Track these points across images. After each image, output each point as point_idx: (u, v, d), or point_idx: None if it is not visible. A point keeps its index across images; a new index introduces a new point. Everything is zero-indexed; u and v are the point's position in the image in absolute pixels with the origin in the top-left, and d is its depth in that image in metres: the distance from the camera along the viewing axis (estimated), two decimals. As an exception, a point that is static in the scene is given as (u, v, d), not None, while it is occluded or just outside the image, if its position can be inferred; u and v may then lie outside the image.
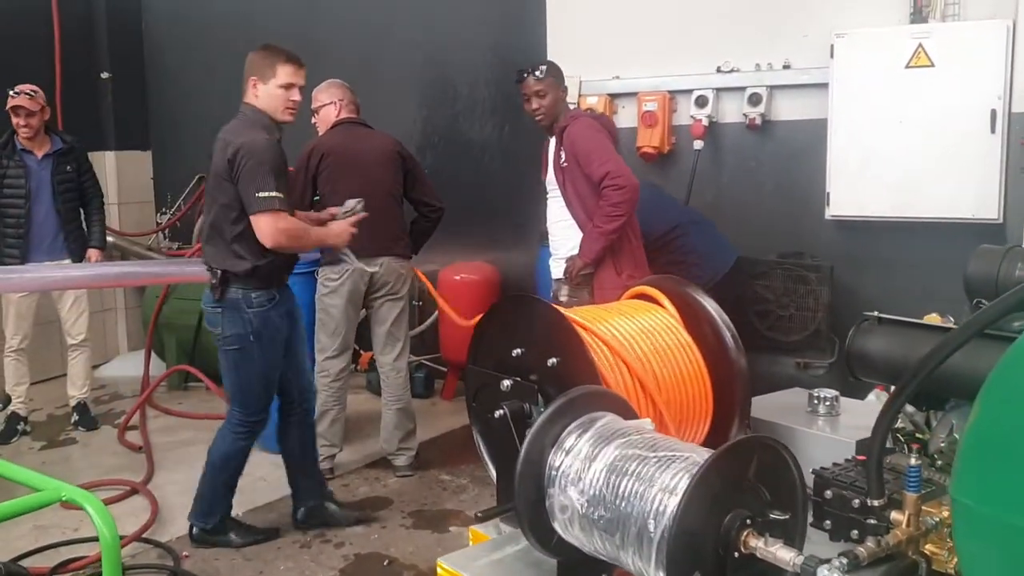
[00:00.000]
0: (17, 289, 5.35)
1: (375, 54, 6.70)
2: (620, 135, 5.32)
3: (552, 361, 2.05)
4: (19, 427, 5.66)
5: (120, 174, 7.67)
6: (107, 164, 7.54)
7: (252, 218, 3.66)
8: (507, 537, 1.96)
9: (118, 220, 7.52)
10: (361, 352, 6.21)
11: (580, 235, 4.23)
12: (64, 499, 1.83)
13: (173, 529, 4.17)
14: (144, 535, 4.06)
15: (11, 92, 5.41)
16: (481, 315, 2.41)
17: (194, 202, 7.55)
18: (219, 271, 3.77)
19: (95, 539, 3.80)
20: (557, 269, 4.36)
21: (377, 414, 5.09)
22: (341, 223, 4.00)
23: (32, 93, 5.43)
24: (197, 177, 7.60)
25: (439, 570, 1.85)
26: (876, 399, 3.15)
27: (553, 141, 4.41)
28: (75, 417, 5.85)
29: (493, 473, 2.42)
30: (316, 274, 4.78)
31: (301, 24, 6.88)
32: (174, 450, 5.28)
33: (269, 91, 3.80)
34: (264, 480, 4.69)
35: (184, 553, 3.89)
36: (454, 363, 6.25)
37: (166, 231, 7.90)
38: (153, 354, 6.51)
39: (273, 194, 3.63)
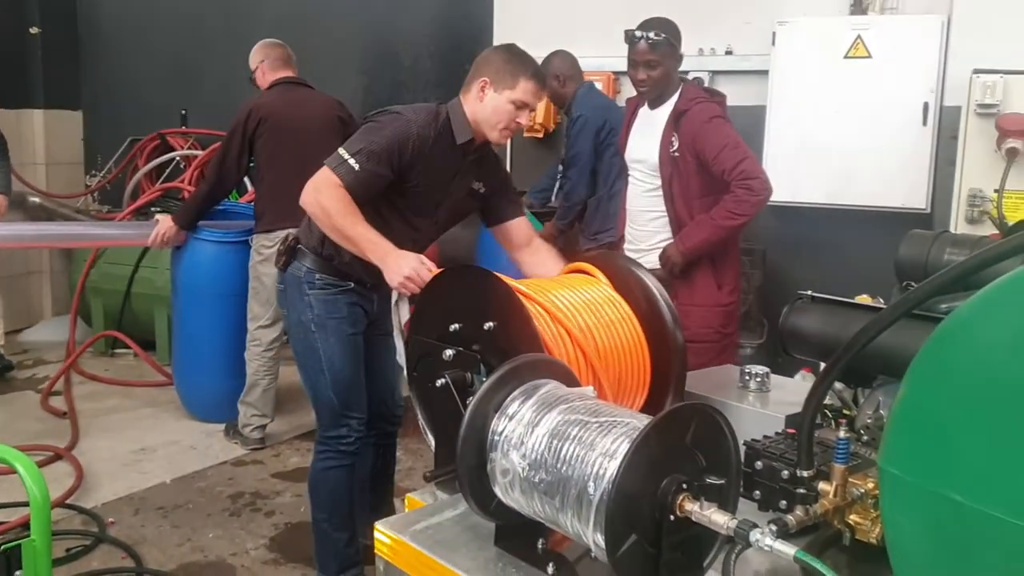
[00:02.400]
0: None
1: (315, 21, 6.60)
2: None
3: (489, 325, 2.06)
4: None
5: (48, 133, 7.46)
6: (35, 123, 7.33)
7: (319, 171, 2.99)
8: (444, 502, 1.98)
9: (45, 181, 7.31)
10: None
11: (667, 229, 3.79)
12: (-7, 456, 1.79)
13: (98, 495, 4.11)
14: (69, 501, 3.98)
15: None
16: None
17: (125, 165, 7.37)
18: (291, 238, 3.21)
19: (16, 504, 3.75)
20: (635, 258, 3.95)
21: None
22: (412, 260, 2.65)
23: None
24: (129, 140, 7.42)
25: (376, 535, 1.86)
26: (803, 380, 3.25)
27: (655, 118, 3.87)
28: None
29: (432, 441, 2.44)
30: (250, 241, 4.71)
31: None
32: (100, 417, 5.18)
33: (498, 102, 3.02)
34: (194, 448, 4.65)
35: (110, 520, 3.84)
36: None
37: (95, 194, 7.71)
38: (80, 319, 6.36)
39: (352, 160, 2.91)
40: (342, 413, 3.21)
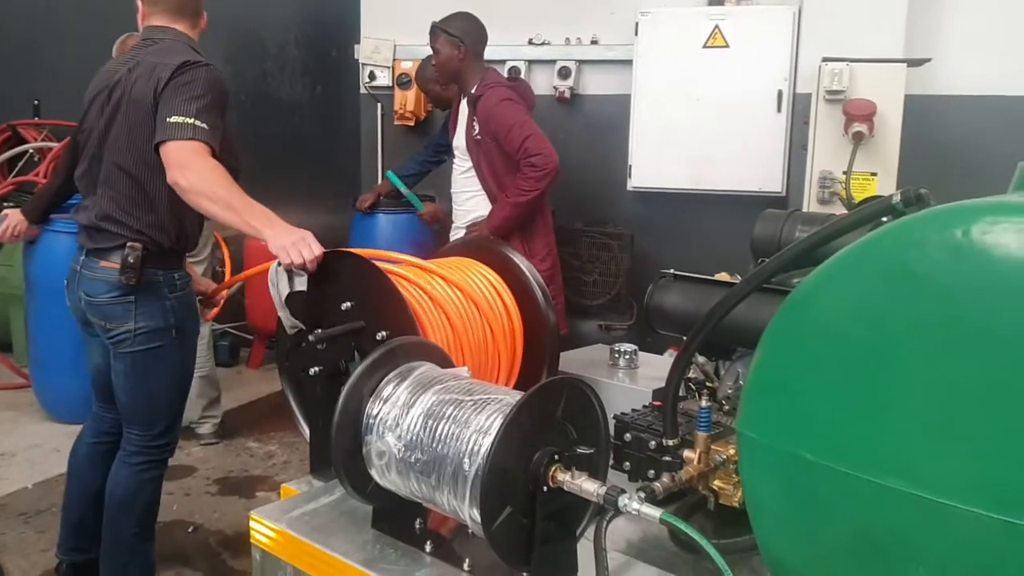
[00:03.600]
0: None
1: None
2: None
3: (346, 305, 2.07)
4: None
5: None
6: None
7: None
8: (320, 489, 1.98)
9: None
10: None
11: (485, 205, 4.14)
12: None
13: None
14: (-80, 511, 3.77)
15: None
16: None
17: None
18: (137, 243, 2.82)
19: None
20: (456, 235, 4.28)
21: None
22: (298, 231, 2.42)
23: None
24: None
25: (251, 524, 1.84)
26: (670, 357, 3.38)
27: (464, 106, 4.25)
28: None
29: (306, 431, 2.42)
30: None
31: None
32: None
33: None
34: (57, 450, 4.45)
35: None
36: (260, 331, 6.12)
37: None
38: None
39: (200, 122, 2.67)
40: (177, 420, 3.05)
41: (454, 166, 4.39)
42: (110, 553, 2.96)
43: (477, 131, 4.12)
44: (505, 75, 4.93)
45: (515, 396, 1.57)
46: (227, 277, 5.28)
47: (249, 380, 5.86)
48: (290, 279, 2.25)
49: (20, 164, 6.51)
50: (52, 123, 6.65)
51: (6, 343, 5.76)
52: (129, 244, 2.76)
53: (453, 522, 1.72)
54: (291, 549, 1.76)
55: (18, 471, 4.26)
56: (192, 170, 2.61)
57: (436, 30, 4.25)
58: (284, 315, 2.20)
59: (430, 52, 5.63)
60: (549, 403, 1.50)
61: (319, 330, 2.09)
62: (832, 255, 1.39)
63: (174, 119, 2.64)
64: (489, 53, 5.62)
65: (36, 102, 6.74)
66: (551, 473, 1.47)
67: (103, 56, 4.67)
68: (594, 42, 5.48)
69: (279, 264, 2.26)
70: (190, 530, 3.75)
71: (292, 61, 6.48)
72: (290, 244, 2.28)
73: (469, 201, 4.28)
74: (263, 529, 1.82)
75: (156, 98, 2.70)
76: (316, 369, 2.16)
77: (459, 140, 4.29)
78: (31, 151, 6.55)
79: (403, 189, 5.31)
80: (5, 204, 5.34)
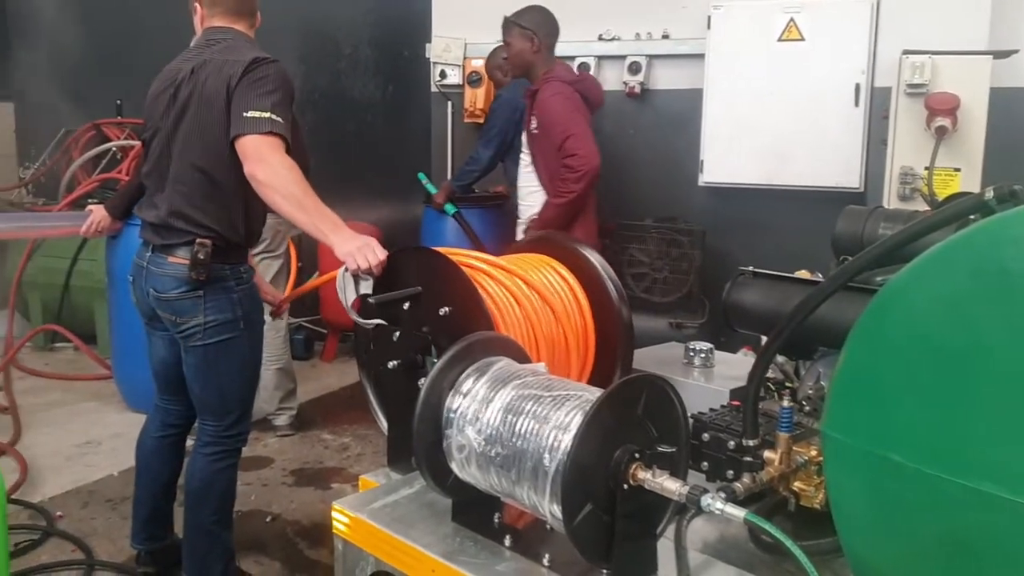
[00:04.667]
0: None
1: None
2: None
3: (444, 310, 2.10)
4: None
5: (-22, 125, 7.27)
6: (-34, 115, 7.13)
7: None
8: (400, 481, 2.01)
9: (-23, 174, 7.13)
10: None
11: (544, 201, 4.12)
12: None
13: (44, 490, 4.04)
14: (14, 496, 3.91)
15: None
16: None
17: (60, 156, 7.21)
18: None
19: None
20: (519, 232, 4.28)
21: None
22: (362, 236, 2.46)
23: None
24: (63, 131, 7.25)
25: (333, 515, 1.88)
26: (744, 356, 3.34)
27: (527, 101, 4.25)
28: None
29: (384, 424, 2.46)
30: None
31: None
32: (41, 411, 5.08)
33: None
34: (139, 440, 4.58)
35: (58, 513, 3.78)
36: (335, 325, 6.22)
37: (30, 186, 7.52)
38: (17, 314, 6.23)
39: (275, 116, 2.73)
40: (248, 410, 3.11)
41: (520, 159, 4.38)
42: (191, 541, 3.04)
43: (535, 125, 4.11)
44: (576, 71, 4.94)
45: (594, 393, 1.57)
46: (292, 275, 5.39)
47: (323, 373, 5.96)
48: (356, 283, 2.30)
49: (104, 162, 6.71)
50: (133, 122, 6.83)
51: (91, 335, 5.96)
52: (199, 240, 2.81)
53: (530, 517, 1.74)
54: (373, 540, 1.79)
55: (104, 459, 4.41)
56: (270, 165, 2.66)
57: (509, 24, 4.25)
58: (354, 317, 2.25)
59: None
60: (630, 401, 1.50)
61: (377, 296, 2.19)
62: (920, 253, 1.37)
63: (251, 114, 2.69)
64: (559, 50, 5.61)
65: (118, 102, 6.94)
66: (632, 471, 1.47)
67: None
68: (665, 37, 5.44)
69: (346, 270, 2.31)
70: (268, 519, 3.83)
71: (365, 61, 6.56)
72: (355, 250, 2.34)
73: (530, 196, 4.27)
74: (345, 519, 1.85)
75: (229, 94, 2.74)
76: (394, 363, 2.19)
77: (524, 134, 4.31)
78: (114, 149, 6.75)
79: (423, 180, 5.64)
80: (90, 200, 5.52)
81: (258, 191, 2.70)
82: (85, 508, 3.87)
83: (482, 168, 5.33)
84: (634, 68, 5.45)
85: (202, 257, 2.81)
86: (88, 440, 4.68)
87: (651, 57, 5.47)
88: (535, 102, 4.10)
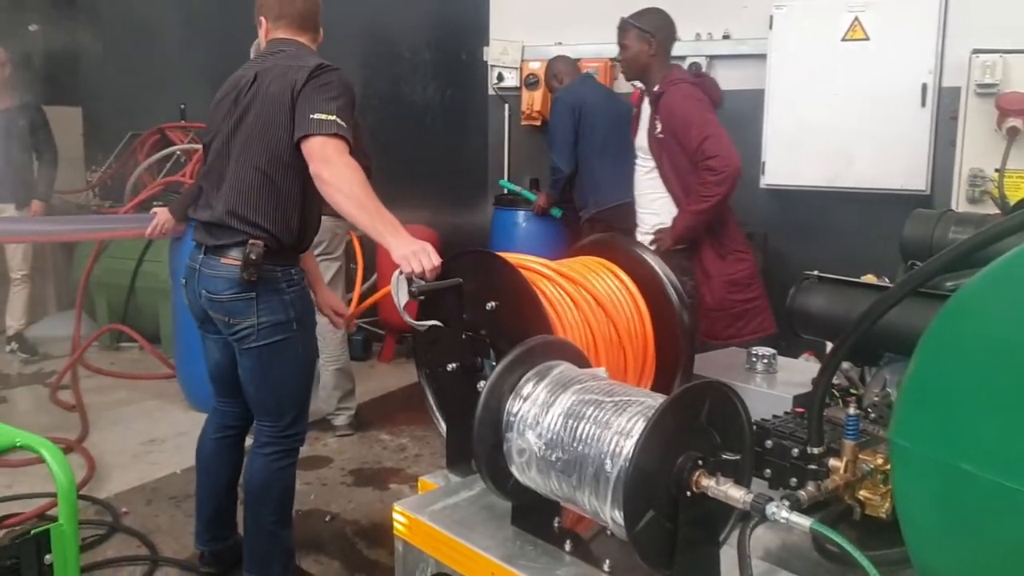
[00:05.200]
0: None
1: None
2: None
3: (491, 305, 2.10)
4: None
5: (49, 130, 7.46)
6: (36, 120, 7.32)
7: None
8: (459, 484, 2.01)
9: (47, 177, 7.32)
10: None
11: (670, 208, 3.95)
12: (19, 444, 1.82)
13: (110, 486, 4.14)
14: (82, 492, 4.01)
15: None
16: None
17: (126, 160, 7.39)
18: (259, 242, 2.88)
19: (31, 496, 3.79)
20: (643, 240, 4.03)
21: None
22: (418, 241, 2.46)
23: None
24: (129, 135, 7.43)
25: (394, 516, 1.89)
26: (806, 362, 3.28)
27: (647, 105, 4.10)
28: (14, 345, 6.32)
29: (442, 426, 2.46)
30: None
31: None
32: (108, 410, 5.20)
33: None
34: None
35: (123, 509, 3.87)
36: (392, 326, 6.26)
37: (96, 189, 7.72)
38: (84, 314, 6.39)
39: (339, 118, 2.79)
40: (304, 410, 3.15)
41: (637, 166, 4.17)
42: (252, 541, 3.08)
43: (659, 129, 3.94)
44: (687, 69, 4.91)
45: (656, 399, 1.56)
46: (359, 276, 5.45)
47: (381, 374, 6.01)
48: (409, 286, 2.31)
49: (168, 165, 6.86)
50: (197, 126, 6.98)
51: (155, 335, 6.09)
52: (251, 241, 2.84)
53: (589, 522, 1.72)
54: (433, 542, 1.80)
55: (167, 457, 4.50)
56: (335, 165, 2.70)
57: (626, 25, 4.10)
58: (407, 319, 2.27)
59: (558, 53, 5.72)
60: (693, 407, 1.48)
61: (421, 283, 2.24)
62: (994, 258, 1.33)
63: (317, 116, 2.73)
64: (617, 50, 5.61)
65: (183, 106, 7.09)
66: (695, 478, 1.45)
67: (242, 62, 4.89)
68: (726, 37, 5.39)
69: (400, 273, 2.33)
70: (327, 519, 3.87)
71: (424, 65, 6.61)
72: (411, 253, 2.36)
73: (654, 203, 4.07)
74: (405, 521, 1.86)
75: (293, 98, 2.79)
76: (453, 365, 2.20)
77: (641, 139, 4.12)
78: (178, 152, 6.90)
79: (515, 188, 5.74)
80: (154, 203, 5.64)
81: (322, 190, 2.74)
82: (149, 505, 3.95)
83: (565, 176, 5.31)
84: (694, 68, 5.40)
85: (254, 257, 2.84)
86: (152, 438, 4.78)
87: (711, 58, 5.42)
88: (660, 106, 3.95)
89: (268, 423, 3.06)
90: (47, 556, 1.77)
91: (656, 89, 3.99)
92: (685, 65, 5.30)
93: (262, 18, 3.11)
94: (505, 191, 5.91)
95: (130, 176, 7.01)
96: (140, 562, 3.44)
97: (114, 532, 3.67)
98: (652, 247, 3.87)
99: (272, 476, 3.07)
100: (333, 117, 2.73)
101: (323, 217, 4.57)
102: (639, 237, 4.13)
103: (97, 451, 4.50)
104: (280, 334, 2.94)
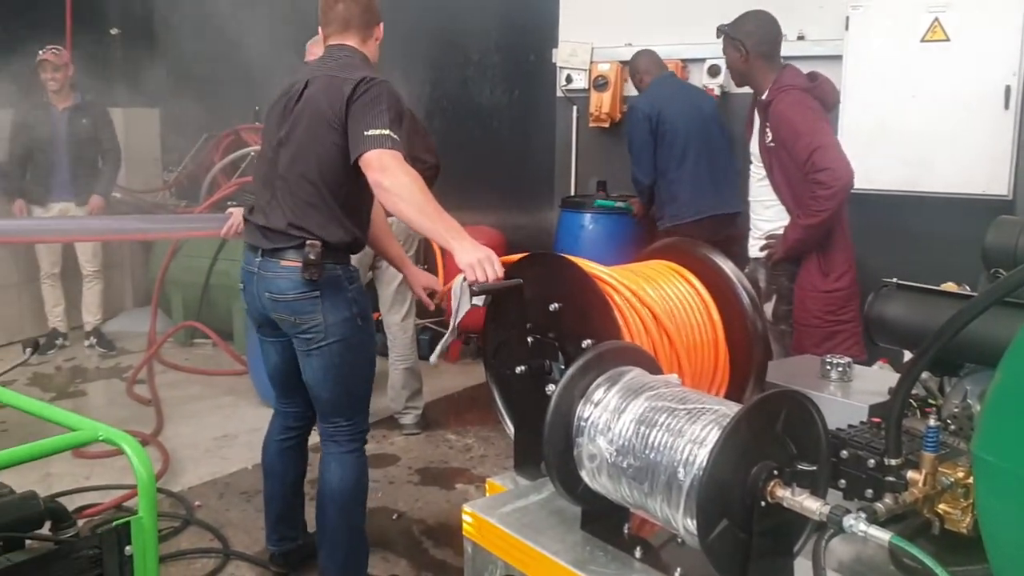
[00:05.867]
0: (35, 238, 5.92)
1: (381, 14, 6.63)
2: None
3: (555, 306, 2.10)
4: (57, 342, 6.51)
5: (128, 131, 7.66)
6: (116, 121, 7.51)
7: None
8: (528, 487, 2.01)
9: (125, 177, 7.52)
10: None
11: (784, 216, 3.85)
12: (101, 439, 1.87)
13: (184, 480, 4.24)
14: (157, 485, 4.11)
15: (40, 51, 6.05)
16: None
17: (202, 160, 7.55)
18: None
19: (107, 487, 3.91)
20: (754, 247, 4.01)
21: (382, 374, 5.16)
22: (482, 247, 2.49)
23: (57, 51, 6.13)
24: (205, 136, 7.59)
25: (464, 517, 1.90)
26: (881, 370, 3.21)
27: (757, 110, 4.02)
28: (92, 340, 6.54)
29: (510, 428, 2.47)
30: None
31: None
32: (182, 404, 5.34)
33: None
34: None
35: (196, 503, 3.96)
36: (459, 326, 6.29)
37: (173, 189, 7.91)
38: (160, 310, 6.55)
39: (392, 132, 2.85)
40: (368, 406, 3.20)
41: (751, 173, 4.09)
42: (328, 538, 3.13)
43: (770, 138, 3.84)
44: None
45: (730, 407, 1.54)
46: (440, 275, 5.51)
47: (447, 374, 6.05)
48: (470, 294, 2.31)
49: (243, 166, 7.00)
50: (271, 127, 7.10)
51: (228, 332, 6.22)
52: (308, 242, 2.91)
53: (658, 528, 1.71)
54: (502, 544, 1.80)
55: (239, 452, 4.59)
56: (394, 174, 2.75)
57: (720, 33, 4.08)
58: (453, 324, 2.27)
59: (629, 54, 5.68)
60: (769, 416, 1.46)
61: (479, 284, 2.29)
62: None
63: (371, 132, 2.79)
64: (688, 52, 5.57)
65: (256, 108, 7.22)
66: (770, 488, 1.43)
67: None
68: (800, 38, 5.29)
69: (464, 279, 2.33)
70: (394, 517, 3.91)
71: (492, 67, 6.63)
72: (476, 261, 2.38)
73: (767, 211, 3.98)
74: (475, 523, 1.86)
75: (341, 112, 2.85)
76: (521, 368, 2.20)
77: (753, 145, 4.03)
78: (252, 154, 7.03)
79: (611, 203, 5.61)
80: (229, 203, 5.76)
81: (382, 198, 2.79)
82: (221, 499, 4.04)
83: (647, 186, 5.17)
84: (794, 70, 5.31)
85: (313, 258, 2.90)
86: (225, 433, 4.88)
87: (785, 59, 5.31)
88: (769, 114, 3.84)
89: (345, 421, 3.11)
90: (127, 547, 1.82)
91: (764, 97, 3.90)
92: (703, 68, 5.24)
93: (319, 28, 3.19)
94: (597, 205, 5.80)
95: (205, 176, 7.17)
96: (213, 555, 3.52)
97: (187, 525, 3.77)
98: (763, 254, 3.90)
99: (360, 473, 3.14)
100: (387, 132, 2.79)
101: (393, 219, 4.69)
102: (751, 242, 4.07)
103: (171, 445, 4.61)
104: (347, 331, 2.99)
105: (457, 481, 4.30)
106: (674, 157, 4.98)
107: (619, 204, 5.62)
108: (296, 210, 2.94)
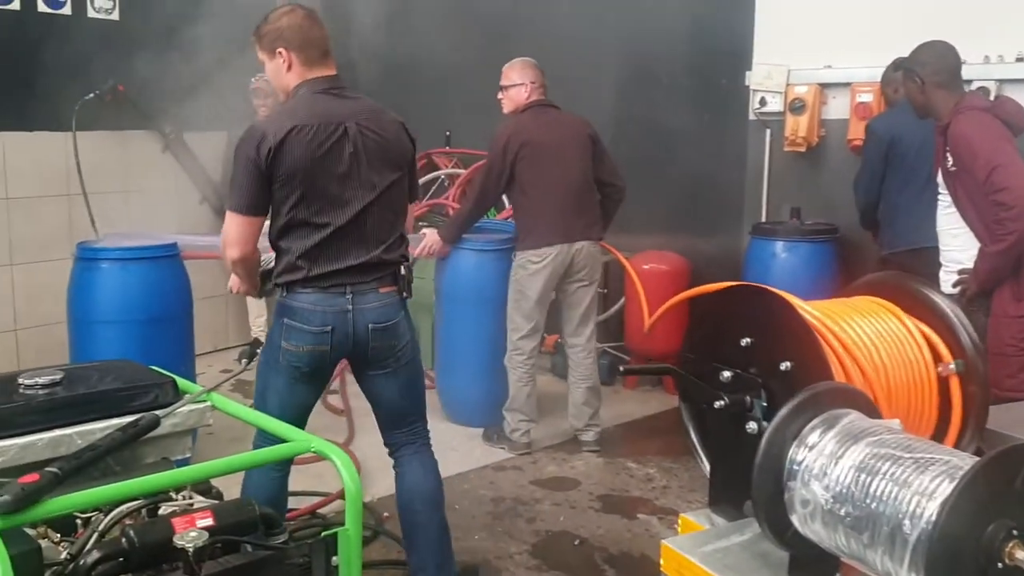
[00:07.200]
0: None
1: (570, 40, 6.69)
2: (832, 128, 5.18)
3: (786, 365, 2.02)
4: (258, 351, 6.66)
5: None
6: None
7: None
8: (730, 527, 1.96)
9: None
10: (545, 335, 6.30)
11: (973, 242, 3.72)
12: (313, 450, 1.96)
13: (373, 490, 4.37)
14: (348, 494, 4.28)
15: (252, 79, 6.29)
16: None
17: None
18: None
19: (303, 493, 4.09)
20: (946, 283, 3.81)
21: (561, 396, 5.22)
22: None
23: (268, 79, 6.35)
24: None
25: (663, 554, 1.87)
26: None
27: (938, 138, 3.92)
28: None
29: (705, 465, 2.42)
30: (513, 256, 4.90)
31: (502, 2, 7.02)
32: (371, 416, 5.48)
33: None
34: (455, 450, 4.85)
35: (385, 514, 4.08)
36: (637, 352, 6.24)
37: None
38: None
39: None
40: None
41: (938, 202, 3.96)
42: (443, 540, 3.30)
43: (951, 162, 3.75)
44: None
45: (962, 458, 1.45)
46: (642, 301, 5.58)
47: (625, 400, 5.99)
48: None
49: (433, 188, 7.22)
50: (461, 151, 7.31)
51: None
52: (403, 265, 3.13)
53: (871, 581, 1.63)
54: (703, 585, 1.77)
55: (426, 466, 4.71)
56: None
57: (898, 66, 4.08)
58: None
59: (827, 76, 5.50)
60: (1008, 470, 1.36)
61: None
62: None
63: (418, 184, 3.37)
64: (876, 76, 5.27)
65: (448, 133, 7.44)
66: (1007, 549, 1.34)
67: (495, 92, 5.08)
68: (1019, 59, 4.96)
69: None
70: (576, 543, 3.90)
71: (681, 90, 6.55)
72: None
73: (955, 240, 3.84)
74: (675, 560, 1.83)
75: (408, 156, 3.17)
76: (721, 403, 2.16)
77: (938, 174, 3.93)
78: (443, 177, 7.25)
79: None
80: (420, 224, 5.96)
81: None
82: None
83: (863, 208, 5.00)
84: (981, 93, 5.01)
85: (409, 277, 3.15)
86: (412, 446, 5.02)
87: (1001, 81, 5.00)
88: (948, 137, 3.75)
89: (423, 425, 3.36)
90: (334, 558, 1.90)
91: (945, 120, 3.79)
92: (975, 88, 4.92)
93: (286, 52, 3.23)
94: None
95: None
96: (403, 567, 3.61)
97: (377, 535, 3.89)
98: (956, 290, 3.70)
99: (438, 477, 3.38)
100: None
101: (586, 243, 4.77)
102: (943, 277, 3.88)
103: (361, 455, 4.77)
104: (415, 341, 3.22)
105: (639, 511, 4.24)
106: (897, 182, 4.80)
107: None
108: (388, 245, 3.09)
